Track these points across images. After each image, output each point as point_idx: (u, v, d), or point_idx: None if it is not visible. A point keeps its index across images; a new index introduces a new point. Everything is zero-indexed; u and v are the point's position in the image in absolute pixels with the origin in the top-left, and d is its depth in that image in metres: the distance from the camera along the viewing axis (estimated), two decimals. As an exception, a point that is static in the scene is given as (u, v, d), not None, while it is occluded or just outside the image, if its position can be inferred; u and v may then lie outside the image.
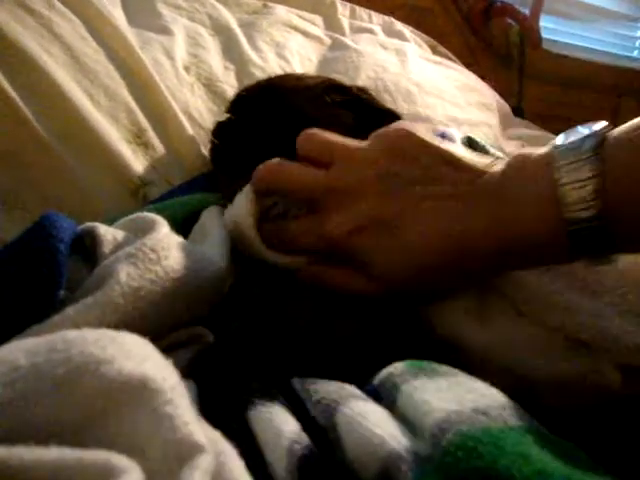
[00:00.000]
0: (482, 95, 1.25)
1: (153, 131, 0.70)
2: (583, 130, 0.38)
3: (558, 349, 0.40)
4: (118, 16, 0.79)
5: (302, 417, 0.29)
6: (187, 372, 0.31)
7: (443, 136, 0.90)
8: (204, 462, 0.22)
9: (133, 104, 0.70)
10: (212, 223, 0.49)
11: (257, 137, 0.58)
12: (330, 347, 0.41)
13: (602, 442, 0.32)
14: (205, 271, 0.37)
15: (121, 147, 0.65)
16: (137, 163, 0.66)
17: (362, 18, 1.28)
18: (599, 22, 1.93)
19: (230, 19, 0.96)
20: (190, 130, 0.72)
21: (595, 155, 0.35)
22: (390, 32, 1.28)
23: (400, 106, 0.95)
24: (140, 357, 0.25)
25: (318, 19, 1.17)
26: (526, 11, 1.62)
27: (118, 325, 0.30)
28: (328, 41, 1.11)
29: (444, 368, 0.32)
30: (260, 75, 0.84)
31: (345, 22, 1.22)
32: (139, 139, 0.69)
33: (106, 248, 0.35)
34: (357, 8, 1.27)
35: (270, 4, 1.08)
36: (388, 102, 0.80)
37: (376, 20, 1.30)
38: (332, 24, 1.19)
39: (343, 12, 1.24)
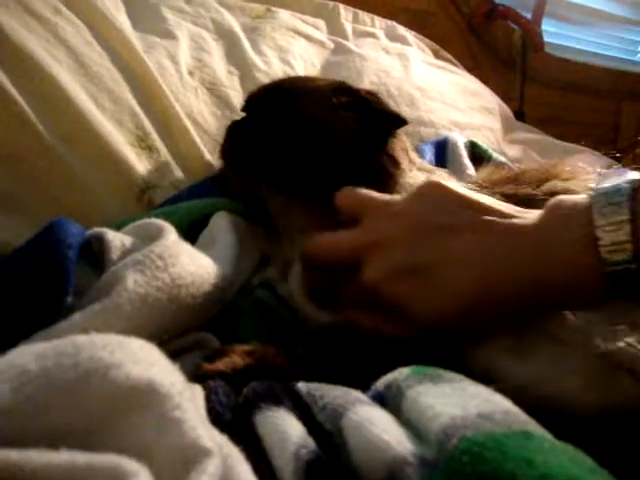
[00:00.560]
0: (484, 99, 1.26)
1: (157, 135, 0.70)
2: (619, 177, 0.39)
3: (601, 375, 0.40)
4: (123, 21, 0.79)
5: (308, 422, 0.29)
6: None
7: (445, 141, 0.91)
8: (211, 466, 0.22)
9: (137, 108, 0.70)
10: (220, 229, 0.49)
11: (267, 136, 0.60)
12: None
13: (608, 447, 0.32)
14: (211, 278, 0.38)
15: (125, 151, 0.65)
16: (141, 167, 0.66)
17: (365, 22, 1.28)
18: (601, 26, 1.93)
19: (234, 23, 0.97)
20: (194, 134, 0.73)
21: (630, 200, 0.36)
22: (393, 36, 1.28)
23: (403, 110, 0.95)
24: (148, 362, 0.25)
25: (321, 23, 1.18)
26: (528, 15, 1.63)
27: (125, 331, 0.31)
28: (331, 45, 1.11)
29: (449, 374, 0.32)
30: (264, 79, 0.84)
31: (348, 26, 1.22)
32: (143, 143, 0.69)
33: (114, 254, 0.36)
34: (360, 12, 1.28)
35: (273, 9, 1.08)
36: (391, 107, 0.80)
37: (379, 24, 1.30)
38: (335, 28, 1.19)
39: (346, 16, 1.25)
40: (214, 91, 0.82)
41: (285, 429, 0.28)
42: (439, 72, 1.23)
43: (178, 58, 0.81)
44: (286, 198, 0.58)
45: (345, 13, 1.25)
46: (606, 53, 1.96)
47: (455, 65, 1.36)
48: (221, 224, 0.49)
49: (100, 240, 0.36)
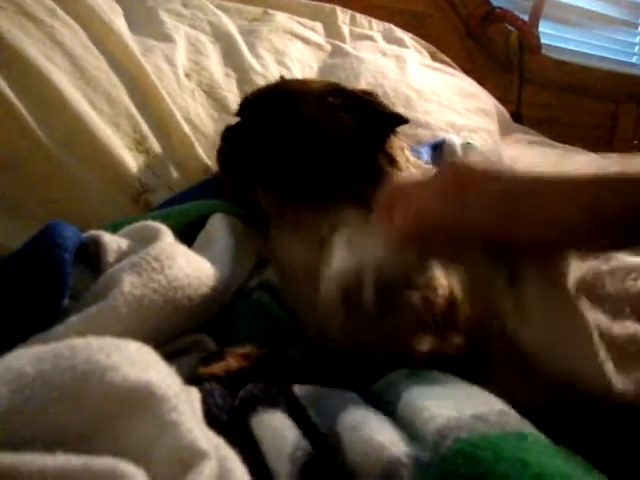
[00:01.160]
0: (481, 101, 1.26)
1: (154, 138, 0.71)
2: None
3: None
4: (120, 24, 0.79)
5: (304, 424, 0.29)
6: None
7: (442, 143, 0.91)
8: (208, 468, 0.22)
9: (134, 111, 0.70)
10: (217, 231, 0.49)
11: (262, 139, 0.59)
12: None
13: (600, 447, 0.33)
14: (208, 280, 0.38)
15: (123, 154, 0.65)
16: (138, 170, 0.66)
17: (362, 25, 1.28)
18: (598, 28, 1.93)
19: (231, 26, 0.97)
20: (191, 137, 0.73)
21: None
22: (390, 39, 1.28)
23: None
24: (144, 364, 0.25)
25: (318, 26, 1.18)
26: (525, 17, 1.63)
27: (121, 333, 0.31)
28: (328, 48, 1.11)
29: (444, 376, 0.32)
30: (261, 82, 0.84)
31: (345, 29, 1.22)
32: (140, 146, 0.69)
33: (110, 257, 0.36)
34: (357, 15, 1.28)
35: (270, 11, 1.08)
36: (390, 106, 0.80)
37: (376, 27, 1.30)
38: (332, 31, 1.20)
39: (343, 19, 1.25)
40: (211, 94, 0.82)
41: (281, 431, 0.28)
42: (436, 74, 1.23)
43: (175, 61, 0.81)
44: (282, 200, 0.58)
45: (342, 16, 1.25)
46: (603, 55, 1.96)
47: (452, 67, 1.36)
48: (218, 226, 0.49)
49: (97, 243, 0.36)
